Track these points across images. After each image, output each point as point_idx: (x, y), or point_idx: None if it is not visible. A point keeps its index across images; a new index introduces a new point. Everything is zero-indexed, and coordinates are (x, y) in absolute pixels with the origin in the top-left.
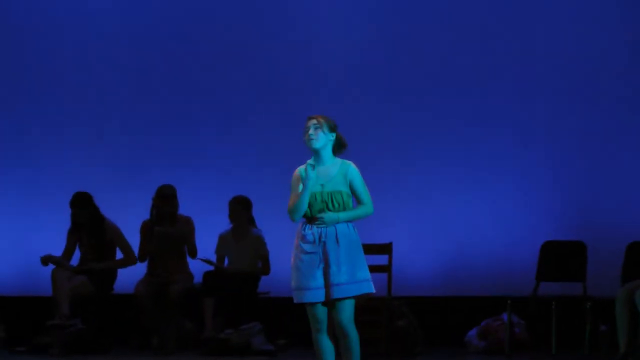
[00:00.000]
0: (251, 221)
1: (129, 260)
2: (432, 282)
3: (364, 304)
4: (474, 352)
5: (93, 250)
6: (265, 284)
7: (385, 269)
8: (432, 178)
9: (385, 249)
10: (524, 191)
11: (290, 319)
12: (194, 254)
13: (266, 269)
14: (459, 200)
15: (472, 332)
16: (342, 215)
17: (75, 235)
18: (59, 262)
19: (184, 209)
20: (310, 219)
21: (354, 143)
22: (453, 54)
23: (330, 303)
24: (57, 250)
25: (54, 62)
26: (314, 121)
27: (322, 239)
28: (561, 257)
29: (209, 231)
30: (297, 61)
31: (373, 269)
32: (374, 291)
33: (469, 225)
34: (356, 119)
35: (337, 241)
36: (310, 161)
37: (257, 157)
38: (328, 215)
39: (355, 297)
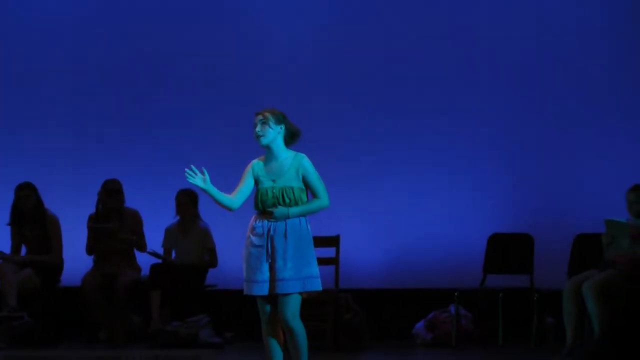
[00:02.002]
0: (197, 215)
1: (54, 258)
2: (380, 274)
3: (310, 297)
4: (421, 344)
5: (36, 242)
6: (212, 276)
7: (333, 261)
8: (380, 171)
9: (333, 241)
10: (471, 184)
11: (238, 312)
12: (143, 248)
13: (213, 262)
14: (407, 193)
15: (420, 325)
16: (293, 210)
17: (17, 227)
18: (8, 258)
19: (129, 203)
20: (262, 212)
21: (304, 136)
22: (406, 51)
23: (276, 297)
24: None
25: None
26: (260, 117)
27: (271, 233)
28: (508, 250)
29: (155, 225)
30: (247, 57)
31: (320, 261)
32: (319, 289)
33: (416, 218)
34: (306, 114)
35: (285, 236)
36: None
37: (204, 151)
38: (278, 211)
39: (300, 294)
